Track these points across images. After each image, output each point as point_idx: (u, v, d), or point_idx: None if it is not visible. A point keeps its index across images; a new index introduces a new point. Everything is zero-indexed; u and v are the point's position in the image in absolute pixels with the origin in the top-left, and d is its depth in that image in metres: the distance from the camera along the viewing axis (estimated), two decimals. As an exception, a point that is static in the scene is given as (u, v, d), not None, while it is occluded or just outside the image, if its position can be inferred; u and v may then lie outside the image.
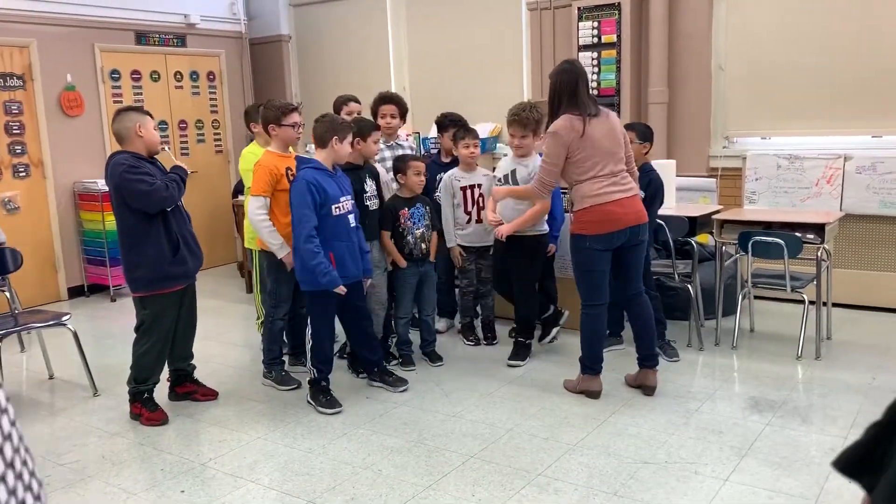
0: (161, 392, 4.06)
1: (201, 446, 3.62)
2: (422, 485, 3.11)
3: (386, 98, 4.88)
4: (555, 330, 4.75)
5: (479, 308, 5.05)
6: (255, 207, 4.02)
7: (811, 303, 4.45)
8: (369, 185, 4.34)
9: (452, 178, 4.78)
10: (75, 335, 4.37)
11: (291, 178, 3.98)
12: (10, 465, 0.82)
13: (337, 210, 3.80)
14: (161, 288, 3.81)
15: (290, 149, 4.26)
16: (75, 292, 6.83)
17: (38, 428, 3.91)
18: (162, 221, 3.76)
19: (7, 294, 4.87)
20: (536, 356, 4.60)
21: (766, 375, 4.18)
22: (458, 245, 4.79)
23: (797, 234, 4.38)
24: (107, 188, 3.86)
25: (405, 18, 7.53)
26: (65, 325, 4.35)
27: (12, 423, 0.84)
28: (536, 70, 6.62)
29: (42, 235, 6.58)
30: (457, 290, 5.14)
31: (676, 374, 4.24)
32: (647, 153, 4.44)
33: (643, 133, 4.43)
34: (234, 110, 7.95)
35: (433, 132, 5.62)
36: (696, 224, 4.64)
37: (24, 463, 0.85)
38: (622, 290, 3.97)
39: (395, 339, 4.69)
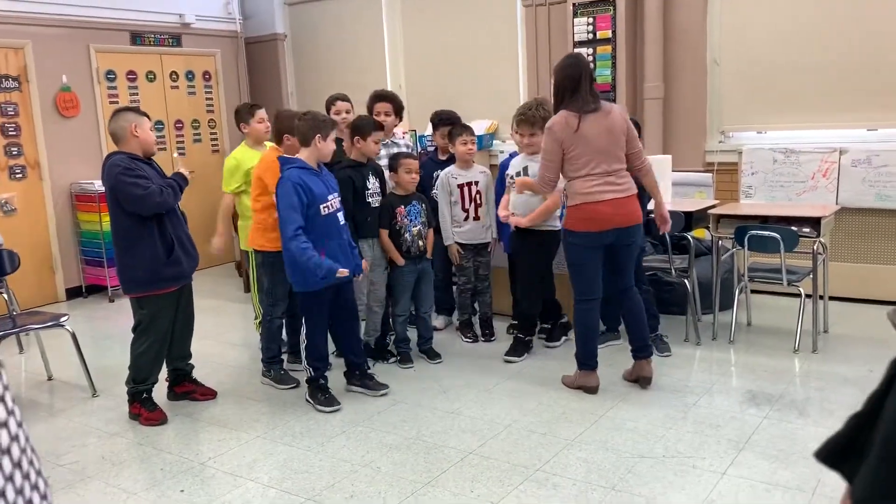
0: (160, 392, 4.07)
1: (200, 445, 3.63)
2: (420, 481, 3.12)
3: (380, 96, 4.87)
4: (563, 338, 4.76)
5: (476, 305, 5.06)
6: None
7: (808, 296, 4.46)
8: (372, 183, 4.34)
9: (449, 176, 4.78)
10: (73, 336, 4.38)
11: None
12: (18, 465, 0.83)
13: (325, 209, 3.78)
14: (155, 289, 3.81)
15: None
16: (73, 293, 6.84)
17: (38, 429, 3.91)
18: (156, 223, 3.76)
19: (5, 296, 4.87)
20: (533, 352, 4.61)
21: (763, 369, 4.19)
22: (456, 242, 4.80)
23: (793, 227, 4.39)
24: (103, 189, 3.86)
25: (400, 16, 7.53)
26: (63, 326, 4.36)
27: (19, 425, 0.85)
28: (532, 66, 6.62)
29: (39, 237, 6.58)
30: (454, 287, 5.15)
31: (674, 369, 4.25)
32: None
33: None
34: (230, 110, 7.87)
35: (430, 130, 5.62)
36: (692, 219, 4.65)
37: (31, 463, 0.86)
38: (613, 284, 3.98)
39: (393, 337, 4.70)
